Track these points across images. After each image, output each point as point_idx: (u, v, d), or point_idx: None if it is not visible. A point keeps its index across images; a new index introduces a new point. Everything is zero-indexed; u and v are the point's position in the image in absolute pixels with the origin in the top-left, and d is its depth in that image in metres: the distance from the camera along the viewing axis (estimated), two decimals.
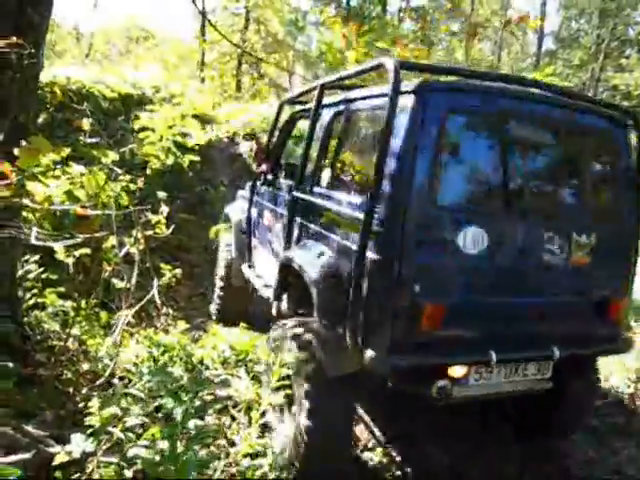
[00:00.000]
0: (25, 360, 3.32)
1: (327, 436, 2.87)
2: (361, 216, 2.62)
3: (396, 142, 2.62)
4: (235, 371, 3.85)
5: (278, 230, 4.24)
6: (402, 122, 2.63)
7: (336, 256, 3.06)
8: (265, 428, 2.66)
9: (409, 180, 2.58)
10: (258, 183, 5.06)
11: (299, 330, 3.07)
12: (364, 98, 3.32)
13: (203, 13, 14.71)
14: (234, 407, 3.09)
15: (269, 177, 4.84)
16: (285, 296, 3.77)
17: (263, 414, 2.09)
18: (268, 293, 4.23)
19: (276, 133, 5.09)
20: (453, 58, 28.61)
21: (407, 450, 3.62)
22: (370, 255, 2.60)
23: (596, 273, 3.16)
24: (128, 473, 1.66)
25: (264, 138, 9.41)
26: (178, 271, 4.12)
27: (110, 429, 1.94)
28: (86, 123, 3.12)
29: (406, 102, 2.65)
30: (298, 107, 4.86)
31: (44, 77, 6.56)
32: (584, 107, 3.16)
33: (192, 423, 1.90)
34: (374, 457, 3.49)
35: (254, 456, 2.03)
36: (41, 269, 4.00)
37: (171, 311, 4.22)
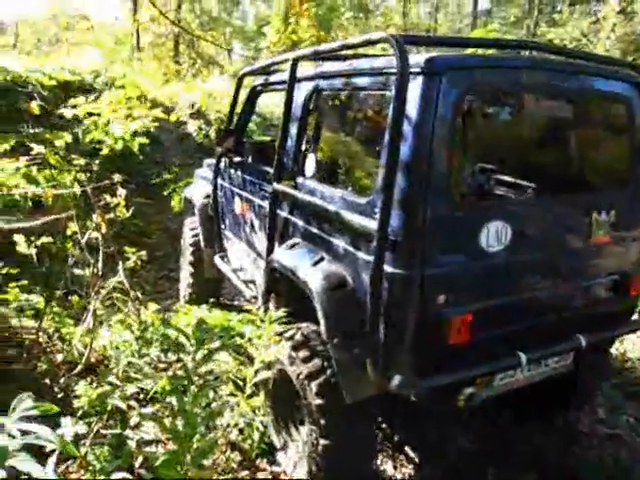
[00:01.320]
0: None
1: (348, 456, 2.66)
2: (369, 224, 2.34)
3: (407, 134, 2.24)
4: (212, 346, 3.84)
5: (256, 223, 3.86)
6: (411, 111, 2.24)
7: (339, 262, 2.67)
8: (256, 387, 2.67)
9: (427, 179, 2.25)
10: (222, 164, 4.62)
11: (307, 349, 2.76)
12: (351, 75, 2.86)
13: None
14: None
15: (235, 158, 4.38)
16: (273, 300, 3.34)
17: (256, 372, 2.10)
18: (251, 292, 3.94)
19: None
20: (392, 23, 28.60)
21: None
22: (388, 269, 2.27)
23: (616, 250, 2.99)
24: (131, 443, 1.64)
25: (212, 115, 9.32)
26: (143, 253, 4.04)
27: (109, 400, 1.92)
28: (35, 107, 3.00)
29: (414, 85, 2.24)
30: (260, 79, 4.40)
31: None
32: (599, 71, 2.88)
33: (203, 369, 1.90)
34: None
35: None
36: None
37: (139, 295, 4.15)
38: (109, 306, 3.84)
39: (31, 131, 4.86)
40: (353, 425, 2.65)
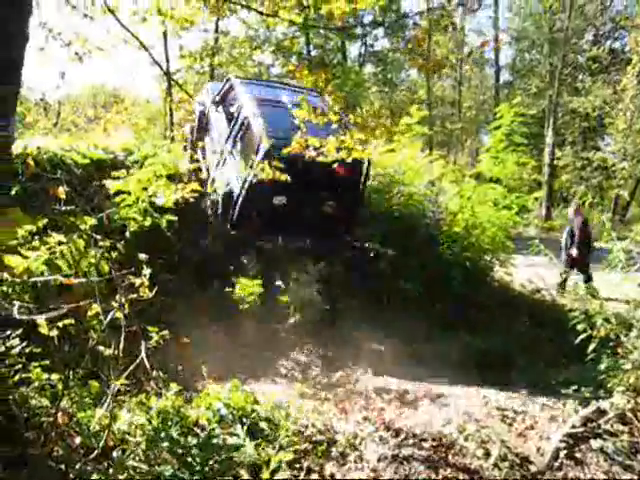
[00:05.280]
0: (13, 440, 3.19)
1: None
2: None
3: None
4: (232, 429, 3.75)
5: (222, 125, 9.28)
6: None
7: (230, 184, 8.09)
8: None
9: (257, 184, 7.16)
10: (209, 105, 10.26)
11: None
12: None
13: (168, 74, 14.96)
14: (239, 466, 2.99)
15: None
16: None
17: (274, 472, 2.01)
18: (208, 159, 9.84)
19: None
20: (417, 97, 29.30)
21: None
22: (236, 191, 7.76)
23: (333, 216, 8.05)
24: None
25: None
26: (165, 332, 4.03)
27: None
28: (62, 191, 3.10)
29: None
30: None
31: (15, 149, 6.56)
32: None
33: None
34: None
35: None
36: (24, 343, 3.87)
37: (161, 374, 4.12)
38: (131, 385, 3.81)
39: (63, 209, 4.98)
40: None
